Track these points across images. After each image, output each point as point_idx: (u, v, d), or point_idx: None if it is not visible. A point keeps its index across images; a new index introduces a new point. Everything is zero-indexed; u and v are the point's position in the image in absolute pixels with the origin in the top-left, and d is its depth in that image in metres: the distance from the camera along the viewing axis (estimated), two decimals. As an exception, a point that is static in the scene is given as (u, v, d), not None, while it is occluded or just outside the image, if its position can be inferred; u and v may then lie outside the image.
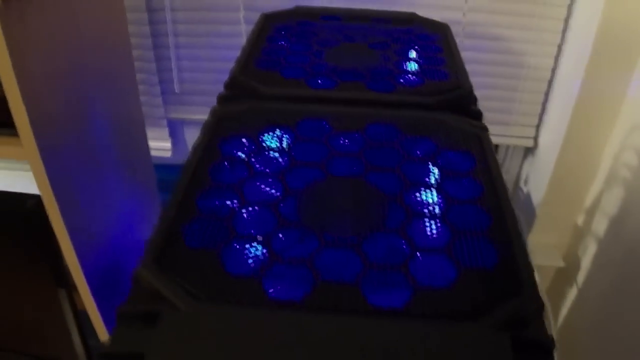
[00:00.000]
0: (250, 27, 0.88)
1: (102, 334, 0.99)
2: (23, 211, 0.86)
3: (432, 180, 0.56)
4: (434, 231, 0.50)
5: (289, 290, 0.44)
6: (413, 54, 0.79)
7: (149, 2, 1.22)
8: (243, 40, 1.23)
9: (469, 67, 0.78)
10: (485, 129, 0.64)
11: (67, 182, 0.83)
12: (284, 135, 0.60)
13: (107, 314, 0.97)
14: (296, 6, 0.93)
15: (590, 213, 1.24)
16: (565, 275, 1.34)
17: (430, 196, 0.54)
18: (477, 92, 0.71)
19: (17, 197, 0.86)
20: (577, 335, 1.28)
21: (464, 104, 0.68)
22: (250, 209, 0.51)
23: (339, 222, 0.50)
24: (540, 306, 0.44)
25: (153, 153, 1.25)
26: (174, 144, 1.40)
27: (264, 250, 0.47)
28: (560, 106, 1.22)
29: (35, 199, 0.82)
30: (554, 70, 1.24)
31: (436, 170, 0.57)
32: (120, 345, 0.42)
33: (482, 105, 0.70)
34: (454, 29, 1.15)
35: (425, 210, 0.52)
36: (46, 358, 1.08)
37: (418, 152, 0.59)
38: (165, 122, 1.36)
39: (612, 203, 1.15)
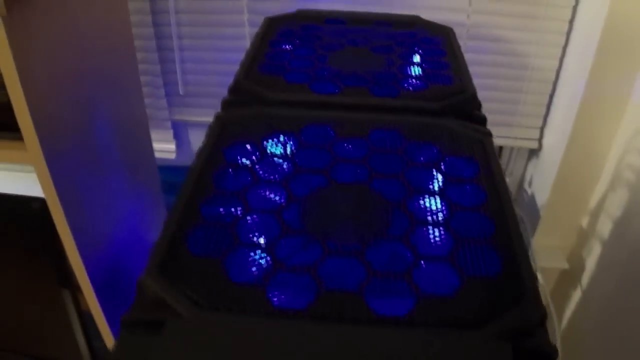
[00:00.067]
0: (254, 30, 0.88)
1: (106, 335, 0.99)
2: (28, 213, 0.87)
3: (436, 187, 0.56)
4: (438, 239, 0.50)
5: (292, 298, 0.44)
6: (417, 58, 0.79)
7: (153, 4, 1.22)
8: (247, 43, 1.24)
9: (472, 69, 0.78)
10: (489, 135, 0.64)
11: (72, 185, 0.84)
12: (288, 142, 0.60)
13: (111, 315, 0.97)
14: (300, 10, 0.93)
15: (595, 215, 1.24)
16: (569, 277, 1.34)
17: (433, 203, 0.54)
18: (481, 94, 0.71)
19: (22, 199, 0.86)
20: (582, 337, 1.28)
21: (468, 109, 0.68)
22: (254, 216, 0.51)
23: (343, 230, 0.50)
24: (543, 315, 0.44)
25: (157, 155, 1.26)
26: (178, 145, 1.40)
27: (268, 258, 0.47)
28: (565, 108, 1.22)
29: (40, 202, 0.82)
30: (558, 72, 1.24)
31: (440, 177, 0.57)
32: (124, 352, 0.42)
33: (486, 106, 0.70)
34: (458, 31, 1.15)
35: (429, 218, 0.52)
36: (50, 359, 1.09)
37: (422, 158, 0.59)
38: (169, 124, 1.37)
39: (616, 205, 1.15)
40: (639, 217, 1.07)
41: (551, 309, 1.27)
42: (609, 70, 1.10)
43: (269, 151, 0.59)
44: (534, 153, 1.39)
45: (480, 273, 0.47)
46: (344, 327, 0.42)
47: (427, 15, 0.92)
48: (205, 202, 0.52)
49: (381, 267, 0.47)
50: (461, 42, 1.18)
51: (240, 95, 0.69)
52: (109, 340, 0.99)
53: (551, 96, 1.27)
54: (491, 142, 0.62)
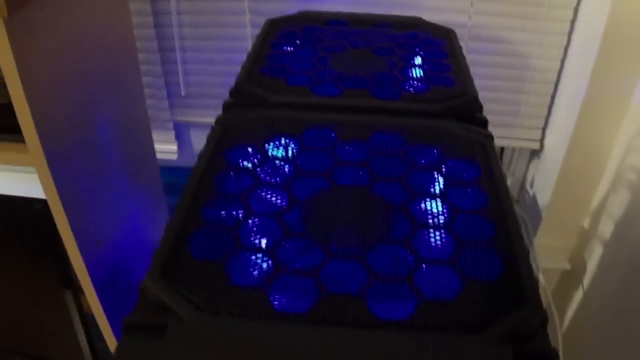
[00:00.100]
0: (256, 31, 0.88)
1: (108, 336, 0.99)
2: (29, 214, 0.87)
3: (437, 190, 0.56)
4: (439, 242, 0.50)
5: (293, 302, 0.44)
6: (418, 60, 0.79)
7: (155, 5, 1.22)
8: (249, 44, 1.24)
9: (474, 70, 0.78)
10: (491, 137, 0.64)
11: (73, 186, 0.84)
12: (289, 145, 0.60)
13: (113, 317, 0.98)
14: (301, 11, 0.93)
15: (596, 215, 1.24)
16: (571, 278, 1.34)
17: (434, 206, 0.54)
18: (483, 95, 0.71)
19: (24, 200, 0.87)
20: (583, 338, 1.28)
21: (469, 111, 0.68)
22: (255, 219, 0.51)
23: (344, 233, 0.50)
24: (544, 318, 0.44)
25: (159, 156, 1.26)
26: (180, 146, 1.41)
27: (269, 262, 0.47)
28: (567, 108, 1.22)
29: (42, 203, 0.82)
30: (559, 73, 1.24)
31: (441, 180, 0.57)
32: (125, 356, 0.42)
33: (487, 107, 0.70)
34: (460, 32, 1.15)
35: (430, 221, 0.52)
36: (53, 360, 1.09)
37: (423, 161, 0.59)
38: (171, 124, 1.37)
39: (618, 205, 1.15)
40: (640, 217, 1.07)
41: (553, 310, 1.27)
42: (611, 70, 1.10)
43: (270, 154, 0.59)
44: (535, 154, 1.39)
45: (481, 276, 0.47)
46: (345, 330, 0.42)
47: (428, 16, 0.92)
48: (207, 205, 0.52)
49: (382, 271, 0.47)
50: (463, 43, 1.18)
51: (241, 98, 0.69)
52: (111, 342, 0.99)
53: (553, 97, 1.27)
54: (492, 145, 0.62)
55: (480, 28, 1.19)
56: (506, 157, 1.43)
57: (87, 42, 0.87)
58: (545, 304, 1.22)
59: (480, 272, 0.47)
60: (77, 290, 0.96)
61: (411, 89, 0.71)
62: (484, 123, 0.68)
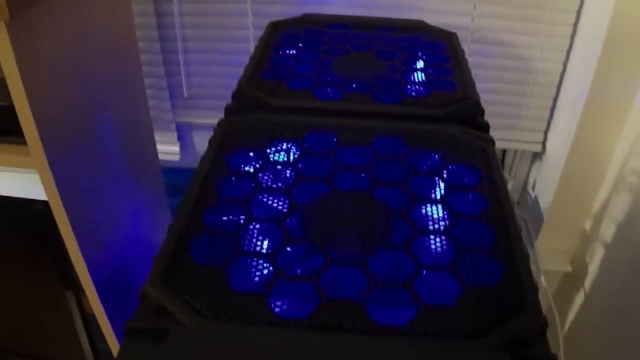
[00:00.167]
0: (259, 33, 0.88)
1: (109, 337, 0.99)
2: (31, 216, 0.87)
3: (438, 195, 0.56)
4: (439, 248, 0.50)
5: (294, 308, 0.44)
6: (420, 64, 0.79)
7: (158, 6, 1.23)
8: (251, 46, 1.24)
9: (476, 72, 0.78)
10: (492, 142, 0.64)
11: (75, 188, 0.84)
12: (291, 149, 0.61)
13: (115, 317, 0.98)
14: (304, 14, 0.93)
15: (598, 218, 1.24)
16: (572, 280, 1.34)
17: (435, 211, 0.54)
18: (485, 97, 0.71)
19: (25, 202, 0.87)
20: (585, 340, 1.28)
21: (471, 115, 0.68)
22: (256, 224, 0.51)
23: (345, 238, 0.51)
24: (544, 325, 0.45)
25: (161, 157, 1.26)
26: (182, 147, 1.41)
27: (270, 267, 0.47)
28: (569, 111, 1.22)
29: (43, 204, 0.83)
30: (562, 76, 1.24)
31: (442, 185, 0.57)
32: (127, 360, 0.42)
33: (490, 110, 0.70)
34: (462, 35, 1.15)
35: (431, 226, 0.52)
36: (55, 360, 1.09)
37: (424, 166, 0.59)
38: (173, 126, 1.37)
39: (619, 208, 1.15)
40: (642, 220, 1.08)
41: (554, 312, 1.27)
42: (613, 74, 1.10)
43: (271, 159, 0.60)
44: (537, 156, 1.39)
45: (481, 282, 0.47)
46: (345, 336, 0.43)
47: (431, 18, 0.92)
48: (209, 210, 0.52)
49: (383, 277, 0.47)
50: (465, 46, 1.18)
51: (243, 101, 0.69)
52: (112, 342, 1.00)
53: (555, 100, 1.27)
54: (493, 150, 0.62)
55: (482, 31, 1.19)
56: (508, 159, 1.43)
57: (89, 43, 0.87)
58: (546, 306, 1.23)
59: (480, 278, 0.47)
60: (79, 291, 0.96)
61: (413, 93, 0.72)
62: (485, 127, 0.68)
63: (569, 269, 1.33)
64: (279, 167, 0.59)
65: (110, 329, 0.98)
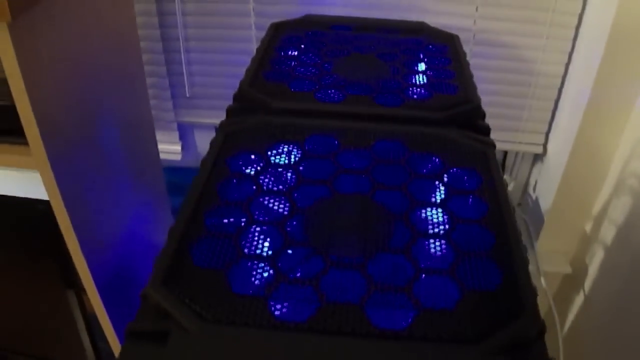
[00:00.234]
0: (261, 33, 0.89)
1: (111, 336, 1.00)
2: (33, 215, 0.87)
3: (438, 199, 0.56)
4: (439, 251, 0.51)
5: (294, 311, 0.45)
6: (422, 66, 0.79)
7: (160, 6, 1.23)
8: (253, 46, 1.24)
9: (478, 74, 0.78)
10: (493, 145, 0.64)
11: (76, 188, 0.84)
12: (292, 152, 0.61)
13: (116, 317, 0.98)
14: (306, 15, 0.93)
15: (598, 220, 1.24)
16: (572, 282, 1.34)
17: (435, 215, 0.54)
18: (487, 99, 0.71)
19: (27, 201, 0.87)
20: (584, 341, 1.28)
21: (472, 119, 0.69)
22: (257, 227, 0.52)
23: (345, 242, 0.51)
24: (542, 329, 0.45)
25: (163, 156, 1.26)
26: (184, 147, 1.41)
27: (270, 270, 0.48)
28: (570, 113, 1.22)
29: (45, 204, 0.83)
30: (563, 78, 1.24)
31: (442, 189, 0.57)
32: (128, 363, 0.43)
33: (491, 111, 0.70)
34: (465, 36, 1.15)
35: (431, 230, 0.53)
36: None
37: (424, 170, 0.60)
38: (175, 125, 1.37)
39: (620, 210, 1.15)
40: (642, 223, 1.08)
41: (554, 313, 1.27)
42: (614, 76, 1.10)
43: (272, 161, 0.60)
44: (538, 158, 1.39)
45: (479, 287, 0.47)
46: (344, 340, 0.43)
47: (434, 20, 0.92)
48: (209, 212, 0.53)
49: (382, 280, 0.47)
50: (467, 47, 1.18)
51: (244, 103, 0.69)
52: (114, 342, 1.00)
53: (556, 102, 1.27)
54: (494, 154, 0.62)
55: (485, 32, 1.19)
56: (509, 160, 1.43)
57: (91, 43, 0.87)
58: (546, 308, 1.23)
59: (479, 282, 0.48)
60: (80, 290, 0.96)
61: (414, 96, 0.72)
62: (486, 131, 0.68)
63: (569, 270, 1.33)
64: (280, 169, 0.59)
65: (111, 329, 0.98)
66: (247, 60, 0.79)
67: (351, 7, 1.20)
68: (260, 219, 0.53)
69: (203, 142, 1.43)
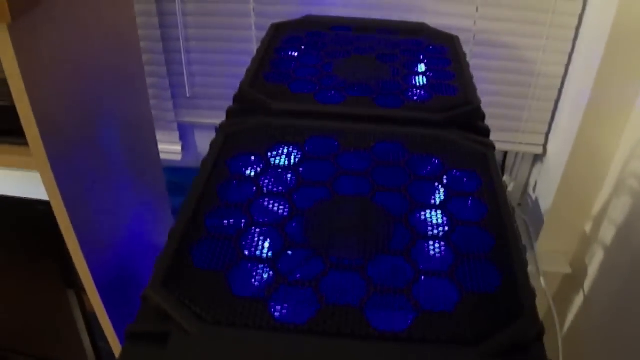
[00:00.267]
0: (261, 33, 0.89)
1: (111, 336, 1.00)
2: (33, 216, 0.87)
3: (438, 201, 0.57)
4: (438, 253, 0.51)
5: (293, 312, 0.45)
6: (422, 67, 0.80)
7: (160, 6, 1.23)
8: (254, 46, 1.24)
9: (479, 74, 0.78)
10: (492, 147, 0.64)
11: (76, 188, 0.84)
12: (292, 153, 0.61)
13: (116, 317, 0.98)
14: (306, 15, 0.94)
15: (598, 220, 1.25)
16: (572, 282, 1.34)
17: (435, 217, 0.54)
18: (487, 99, 0.71)
19: (27, 202, 0.87)
20: (584, 341, 1.28)
21: (472, 120, 0.69)
22: (257, 229, 0.52)
23: (345, 243, 0.51)
24: (540, 331, 0.45)
25: (163, 156, 1.27)
26: (184, 147, 1.41)
27: (270, 272, 0.48)
28: (570, 114, 1.22)
29: (45, 204, 0.83)
30: (564, 79, 1.24)
31: (442, 190, 0.58)
32: (128, 364, 0.43)
33: (492, 112, 0.71)
34: (465, 37, 1.15)
35: (430, 232, 0.53)
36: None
37: (424, 172, 0.60)
38: (175, 125, 1.38)
39: (619, 210, 1.16)
40: (642, 223, 1.08)
41: (553, 313, 1.27)
42: (614, 77, 1.10)
43: (272, 162, 0.60)
44: (538, 158, 1.39)
45: (478, 289, 0.47)
46: (343, 342, 0.43)
47: (434, 20, 0.93)
48: (210, 214, 0.53)
49: (381, 282, 0.47)
50: (468, 48, 1.19)
51: (244, 104, 0.70)
52: (114, 341, 1.00)
53: (556, 102, 1.27)
54: (494, 155, 0.63)
55: (485, 33, 1.20)
56: (509, 161, 1.44)
57: (91, 43, 0.87)
58: (546, 308, 1.23)
59: (478, 284, 0.48)
60: (81, 290, 0.96)
61: (414, 97, 0.72)
62: (486, 132, 0.68)
63: (568, 270, 1.33)
64: (279, 171, 0.59)
65: (111, 328, 0.98)
66: (248, 60, 0.79)
67: (351, 7, 1.20)
68: (260, 220, 0.53)
69: (203, 142, 1.43)
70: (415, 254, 0.50)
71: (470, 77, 0.77)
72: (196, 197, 0.54)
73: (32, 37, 0.70)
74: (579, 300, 1.31)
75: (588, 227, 1.29)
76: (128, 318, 0.45)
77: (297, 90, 0.72)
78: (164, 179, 1.24)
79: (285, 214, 0.54)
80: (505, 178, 1.46)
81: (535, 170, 1.42)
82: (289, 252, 0.50)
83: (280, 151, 0.61)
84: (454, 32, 0.90)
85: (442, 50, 0.84)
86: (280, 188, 0.57)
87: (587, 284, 1.27)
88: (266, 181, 0.57)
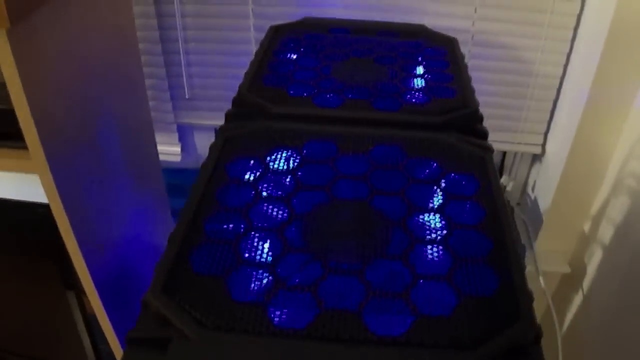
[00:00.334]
0: (260, 35, 0.89)
1: (111, 338, 1.00)
2: (32, 219, 0.88)
3: (436, 205, 0.57)
4: (436, 257, 0.51)
5: (292, 317, 0.45)
6: (420, 70, 0.80)
7: (159, 8, 1.23)
8: (252, 47, 1.24)
9: (477, 75, 0.78)
10: (490, 150, 0.64)
11: (76, 191, 0.84)
12: (291, 157, 0.61)
13: (116, 318, 0.98)
14: (305, 17, 0.94)
15: (597, 220, 1.25)
16: (571, 281, 1.34)
17: (433, 221, 0.55)
18: (486, 100, 0.71)
19: (27, 205, 0.88)
20: (583, 341, 1.28)
21: (470, 123, 0.69)
22: (256, 233, 0.52)
23: (343, 248, 0.51)
24: (538, 335, 0.45)
25: (163, 157, 1.27)
26: (183, 148, 1.41)
27: (270, 277, 0.48)
28: (568, 114, 1.22)
29: (45, 207, 0.83)
30: (562, 79, 1.24)
31: (440, 194, 0.58)
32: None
33: (490, 112, 0.71)
34: (464, 38, 1.15)
35: (428, 236, 0.53)
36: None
37: (422, 175, 0.60)
38: (175, 127, 1.38)
39: (618, 210, 1.16)
40: (640, 222, 1.08)
41: (552, 313, 1.28)
42: (612, 77, 1.11)
43: (271, 167, 0.60)
44: (537, 158, 1.39)
45: (476, 292, 0.48)
46: (342, 347, 0.43)
47: (433, 21, 0.93)
48: (209, 219, 0.53)
49: (380, 286, 0.48)
50: (466, 49, 1.19)
51: (243, 108, 0.70)
52: (114, 343, 1.00)
53: (555, 102, 1.27)
54: (491, 158, 0.63)
55: (483, 34, 1.20)
56: (508, 160, 1.44)
57: (90, 45, 0.87)
58: (545, 307, 1.23)
59: (476, 288, 0.48)
60: (81, 292, 0.96)
61: (412, 100, 0.72)
62: (484, 135, 0.68)
63: (567, 270, 1.34)
64: (278, 175, 0.59)
65: (111, 330, 0.99)
66: (246, 61, 0.79)
67: (351, 8, 1.20)
68: (259, 225, 0.53)
69: (202, 143, 1.43)
70: (414, 258, 0.50)
71: (469, 79, 0.78)
72: (196, 201, 0.55)
73: (31, 41, 0.70)
74: (578, 299, 1.31)
75: (587, 227, 1.29)
76: (128, 319, 0.46)
77: (295, 93, 0.72)
78: (163, 180, 1.24)
79: (284, 218, 0.54)
80: (504, 178, 1.46)
81: (534, 170, 1.42)
82: (288, 257, 0.50)
83: (279, 155, 0.61)
84: (452, 33, 0.90)
85: (441, 53, 0.85)
86: (279, 192, 0.57)
87: (586, 283, 1.28)
88: (265, 185, 0.58)
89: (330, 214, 0.55)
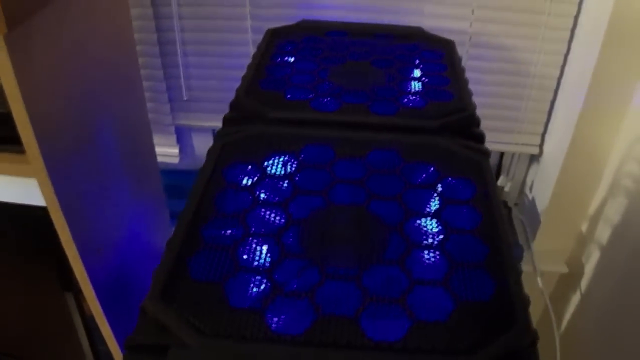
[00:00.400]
0: (258, 37, 0.89)
1: (110, 339, 1.00)
2: (30, 222, 0.88)
3: (433, 209, 0.57)
4: (432, 262, 0.51)
5: (290, 323, 0.45)
6: (417, 73, 0.80)
7: (156, 10, 1.23)
8: (250, 49, 1.24)
9: (475, 76, 0.78)
10: (487, 154, 0.65)
11: (74, 194, 0.84)
12: (288, 162, 0.61)
13: (115, 320, 0.99)
14: (302, 20, 0.94)
15: (594, 220, 1.25)
16: (568, 281, 1.35)
17: (429, 226, 0.55)
18: (484, 101, 0.71)
19: (25, 208, 0.87)
20: (581, 340, 1.29)
21: (467, 126, 0.69)
22: (253, 239, 0.52)
23: (340, 253, 0.52)
24: (534, 339, 0.46)
25: (161, 159, 1.27)
26: (181, 150, 1.41)
27: (267, 283, 0.48)
28: (566, 115, 1.23)
29: (43, 210, 0.83)
30: (559, 80, 1.24)
31: (437, 199, 0.58)
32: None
33: (488, 113, 0.71)
34: (461, 39, 1.16)
35: (425, 241, 0.53)
36: (56, 362, 1.10)
37: (419, 179, 0.60)
38: (173, 128, 1.38)
39: (615, 210, 1.16)
40: (637, 222, 1.08)
41: (550, 312, 1.28)
42: (610, 78, 1.11)
43: (269, 172, 0.60)
44: (535, 158, 1.39)
45: (473, 298, 0.48)
46: (339, 352, 0.44)
47: (430, 23, 0.93)
48: (207, 225, 0.53)
49: (377, 292, 0.48)
50: (464, 50, 1.19)
51: (241, 112, 0.70)
52: (112, 345, 1.00)
53: (552, 103, 1.28)
54: (488, 163, 0.63)
55: (481, 35, 1.20)
56: (506, 161, 1.44)
57: (88, 48, 0.87)
58: (542, 307, 1.23)
59: (472, 293, 0.48)
60: (79, 294, 0.97)
61: (409, 104, 0.72)
62: (480, 138, 0.68)
63: (565, 269, 1.34)
64: (276, 180, 0.59)
65: (109, 332, 0.99)
66: (244, 63, 0.79)
67: (348, 10, 1.20)
68: (257, 231, 0.53)
69: (200, 145, 1.43)
70: (410, 263, 0.51)
71: (466, 82, 0.78)
72: (193, 207, 0.55)
73: (28, 45, 0.70)
74: (575, 299, 1.32)
75: (584, 227, 1.30)
76: (127, 321, 0.46)
77: (292, 97, 0.72)
78: (161, 182, 1.24)
79: (281, 224, 0.54)
80: (502, 178, 1.47)
81: (531, 171, 1.42)
82: (285, 263, 0.50)
83: (276, 160, 0.61)
84: (449, 35, 0.90)
85: (438, 55, 0.85)
86: (277, 198, 0.57)
87: (584, 282, 1.28)
88: (262, 190, 0.58)
89: (328, 219, 0.55)
